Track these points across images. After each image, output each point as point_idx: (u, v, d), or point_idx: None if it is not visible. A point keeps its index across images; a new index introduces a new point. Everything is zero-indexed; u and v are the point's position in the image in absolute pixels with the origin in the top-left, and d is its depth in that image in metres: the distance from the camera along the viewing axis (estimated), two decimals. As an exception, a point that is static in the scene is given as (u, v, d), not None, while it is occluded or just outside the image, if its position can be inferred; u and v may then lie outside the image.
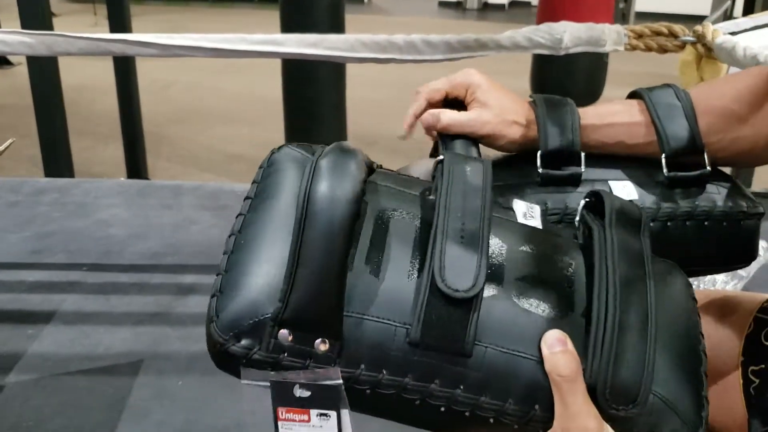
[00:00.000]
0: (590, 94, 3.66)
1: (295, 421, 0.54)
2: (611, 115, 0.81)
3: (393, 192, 0.57)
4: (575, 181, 0.79)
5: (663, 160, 0.79)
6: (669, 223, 0.79)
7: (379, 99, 5.24)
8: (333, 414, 0.53)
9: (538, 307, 0.53)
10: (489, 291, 0.53)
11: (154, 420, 1.33)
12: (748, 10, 3.17)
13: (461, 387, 0.52)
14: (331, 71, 3.05)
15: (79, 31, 1.75)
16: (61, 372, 1.45)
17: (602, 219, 0.58)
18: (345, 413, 0.52)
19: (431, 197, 0.56)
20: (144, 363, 1.48)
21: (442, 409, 0.52)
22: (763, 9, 2.75)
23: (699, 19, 2.13)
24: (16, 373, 1.44)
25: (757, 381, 0.80)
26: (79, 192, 2.34)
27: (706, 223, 0.80)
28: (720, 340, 0.87)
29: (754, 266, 1.70)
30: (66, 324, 1.61)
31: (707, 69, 1.62)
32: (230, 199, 2.29)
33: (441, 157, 0.58)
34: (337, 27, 3.00)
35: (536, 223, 0.60)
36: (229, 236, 0.54)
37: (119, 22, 3.26)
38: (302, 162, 0.57)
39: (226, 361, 0.52)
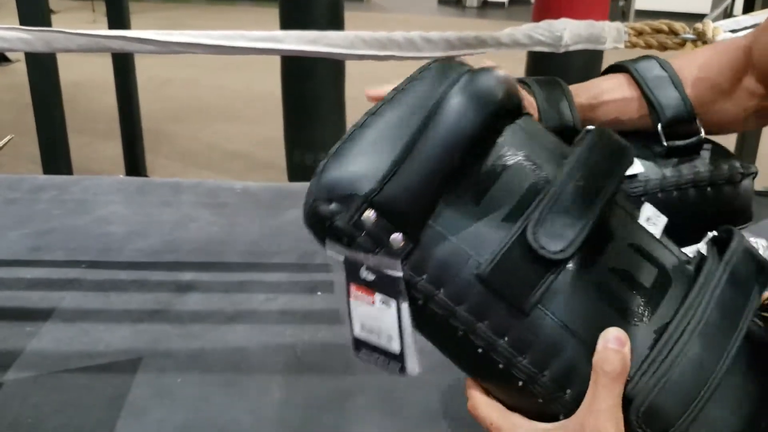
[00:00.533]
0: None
1: (362, 300, 0.56)
2: (604, 93, 0.82)
3: (529, 138, 0.56)
4: None
5: (660, 131, 0.81)
6: (675, 192, 0.81)
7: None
8: (393, 303, 0.54)
9: (615, 303, 0.52)
10: (574, 264, 0.51)
11: (154, 418, 1.32)
12: (748, 8, 3.17)
13: (505, 338, 0.52)
14: (331, 68, 3.05)
15: (77, 28, 1.74)
16: (60, 370, 1.45)
17: (722, 255, 0.57)
18: (405, 307, 0.53)
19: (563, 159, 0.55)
20: (143, 361, 1.48)
21: (479, 350, 0.52)
22: (764, 7, 2.74)
23: (699, 17, 2.12)
24: (15, 371, 1.43)
25: None
26: (78, 189, 2.33)
27: (708, 188, 0.82)
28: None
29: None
30: (65, 321, 1.61)
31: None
32: (229, 197, 2.29)
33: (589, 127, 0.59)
34: (337, 24, 3.00)
35: (656, 231, 0.57)
36: (365, 114, 0.55)
37: (118, 19, 3.25)
38: (460, 72, 0.56)
39: (313, 219, 0.54)
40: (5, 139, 1.92)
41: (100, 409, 1.34)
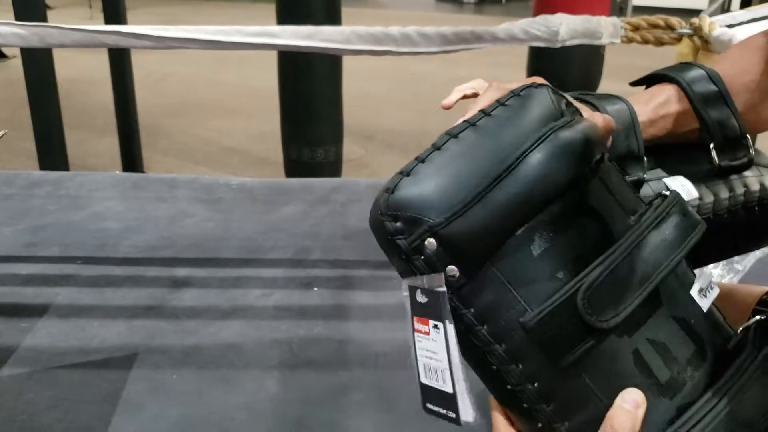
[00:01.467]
0: (586, 86, 3.66)
1: (421, 332, 0.57)
2: (661, 106, 0.81)
3: (604, 192, 0.56)
4: (638, 186, 0.78)
5: (713, 151, 0.79)
6: (725, 215, 0.80)
7: (375, 92, 5.23)
8: (441, 327, 0.55)
9: (645, 373, 0.53)
10: (616, 332, 0.52)
11: (149, 413, 1.32)
12: (745, 3, 3.16)
13: (535, 384, 0.53)
14: (327, 64, 3.05)
15: (73, 24, 1.74)
16: (56, 365, 1.45)
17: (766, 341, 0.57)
18: (451, 329, 0.54)
19: (633, 218, 0.56)
20: (138, 356, 1.47)
21: (509, 387, 0.54)
22: (760, 2, 2.74)
23: (696, 13, 2.12)
24: (10, 367, 1.43)
25: None
26: (74, 185, 2.33)
27: (756, 208, 0.81)
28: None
29: (751, 259, 1.70)
30: (60, 317, 1.60)
31: (704, 62, 1.61)
32: (225, 192, 2.29)
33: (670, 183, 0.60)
34: (334, 20, 2.99)
35: (705, 304, 0.57)
36: (446, 134, 0.55)
37: (114, 14, 3.24)
38: (548, 114, 0.56)
39: (378, 231, 0.55)
40: (0, 133, 1.92)
41: (95, 404, 1.34)
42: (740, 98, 0.80)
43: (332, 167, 3.17)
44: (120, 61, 3.31)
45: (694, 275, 0.58)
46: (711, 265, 1.67)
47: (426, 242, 0.53)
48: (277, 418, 1.32)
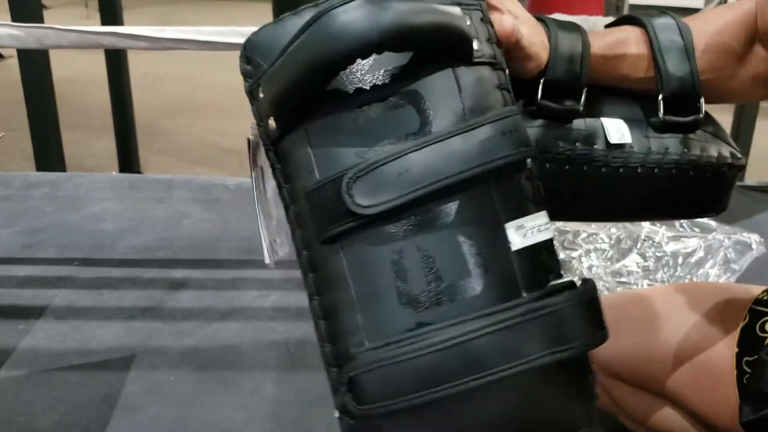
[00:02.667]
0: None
1: (251, 176, 0.65)
2: (620, 45, 0.77)
3: (439, 88, 0.55)
4: (571, 117, 0.75)
5: (660, 101, 0.76)
6: (656, 170, 0.77)
7: (373, 92, 5.21)
8: (254, 176, 0.64)
9: (400, 278, 0.52)
10: (389, 227, 0.52)
11: (147, 415, 1.32)
12: (741, 3, 3.16)
13: (304, 253, 0.56)
14: (324, 64, 3.05)
15: (70, 23, 1.73)
16: (53, 367, 1.44)
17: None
18: (256, 179, 0.64)
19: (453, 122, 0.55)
20: (136, 358, 1.47)
21: (297, 249, 0.58)
22: None
23: (693, 11, 2.12)
24: (7, 369, 1.43)
25: (750, 371, 0.81)
26: (71, 186, 2.32)
27: (691, 172, 0.78)
28: (716, 332, 0.87)
29: (747, 259, 1.70)
30: (57, 319, 1.60)
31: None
32: (222, 193, 2.28)
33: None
34: (330, 19, 2.99)
35: (519, 242, 0.54)
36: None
37: (111, 14, 3.23)
38: None
39: (241, 71, 0.59)
40: (-3, 136, 1.92)
41: (93, 406, 1.34)
42: (705, 58, 0.77)
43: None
44: (117, 61, 3.30)
45: (538, 212, 0.56)
46: (708, 265, 1.67)
47: (259, 88, 0.56)
48: (275, 418, 1.32)
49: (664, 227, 1.82)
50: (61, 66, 3.36)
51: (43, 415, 1.31)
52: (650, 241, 1.77)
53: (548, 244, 0.56)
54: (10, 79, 4.22)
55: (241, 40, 1.92)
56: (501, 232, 0.53)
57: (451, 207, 0.52)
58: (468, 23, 0.58)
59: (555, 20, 0.76)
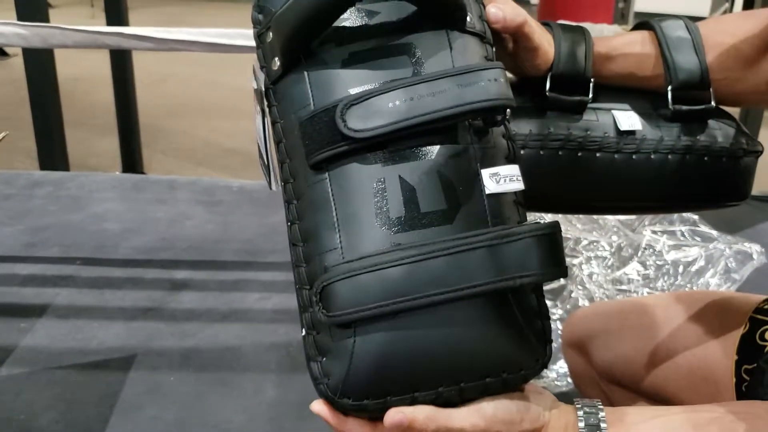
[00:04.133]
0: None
1: (256, 113, 0.67)
2: (624, 45, 0.80)
3: (436, 42, 0.59)
4: (580, 108, 0.78)
5: (669, 93, 0.79)
6: (669, 156, 0.79)
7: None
8: (260, 112, 0.65)
9: (381, 204, 0.56)
10: (375, 155, 0.56)
11: (147, 415, 1.32)
12: (747, 8, 3.17)
13: (292, 181, 0.59)
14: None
15: (75, 23, 1.74)
16: (54, 366, 1.45)
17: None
18: (263, 121, 0.64)
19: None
20: (137, 358, 1.48)
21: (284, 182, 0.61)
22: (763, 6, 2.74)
23: (699, 19, 2.12)
24: (8, 367, 1.43)
25: (749, 379, 0.81)
26: (74, 185, 2.33)
27: (705, 158, 0.80)
28: (715, 340, 0.87)
29: (748, 269, 1.70)
30: (59, 318, 1.60)
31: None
32: (225, 195, 2.29)
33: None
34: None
35: (492, 187, 0.58)
36: None
37: (116, 14, 3.24)
38: None
39: (252, 20, 0.63)
40: (0, 135, 1.92)
41: (93, 405, 1.34)
42: (713, 54, 0.79)
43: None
44: (121, 61, 3.31)
45: (513, 163, 0.60)
46: (708, 274, 1.67)
47: (268, 31, 0.59)
48: (274, 420, 1.33)
49: (665, 236, 1.83)
50: (65, 65, 3.37)
51: (43, 413, 1.31)
52: (651, 250, 1.77)
53: (519, 195, 0.60)
54: (15, 78, 4.23)
55: (247, 43, 1.91)
56: (477, 175, 0.58)
57: (435, 144, 0.57)
58: None
59: (559, 24, 0.80)
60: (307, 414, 1.33)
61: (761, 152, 0.83)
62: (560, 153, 0.77)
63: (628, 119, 0.79)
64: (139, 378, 1.42)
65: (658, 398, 0.93)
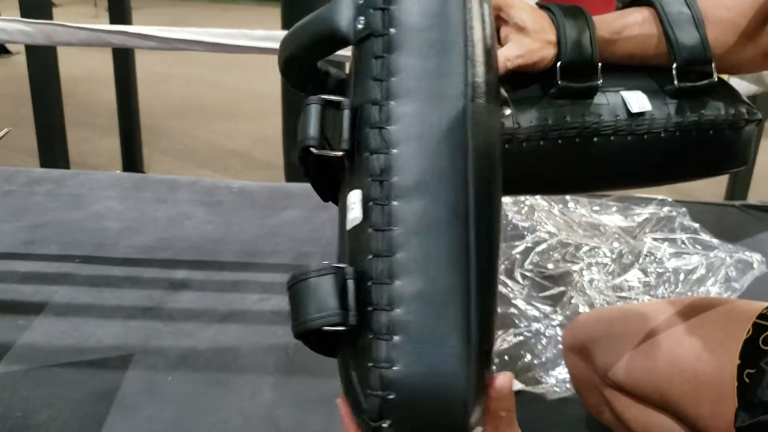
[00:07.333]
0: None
1: None
2: (626, 28, 0.82)
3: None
4: (591, 93, 0.81)
5: (674, 71, 0.81)
6: (677, 133, 0.83)
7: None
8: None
9: None
10: None
11: (144, 415, 1.32)
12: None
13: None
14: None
15: (78, 22, 1.74)
16: (51, 364, 1.44)
17: None
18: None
19: None
20: (135, 357, 1.47)
21: None
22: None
23: None
24: (5, 364, 1.43)
25: (750, 381, 0.81)
26: (75, 183, 2.32)
27: (710, 132, 0.83)
28: (718, 345, 0.88)
29: (748, 278, 1.70)
30: (57, 316, 1.60)
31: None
32: (226, 195, 2.28)
33: None
34: (339, 25, 2.99)
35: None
36: None
37: (119, 14, 3.25)
38: None
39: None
40: (2, 133, 1.92)
41: (89, 404, 1.34)
42: (711, 30, 0.81)
43: (333, 173, 3.16)
44: (124, 60, 3.32)
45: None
46: (709, 283, 1.67)
47: None
48: (272, 422, 1.32)
49: (666, 243, 1.82)
50: (68, 63, 3.37)
51: (40, 411, 1.31)
52: (652, 257, 1.77)
53: None
54: (17, 75, 4.23)
55: (250, 43, 1.91)
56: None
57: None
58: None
59: (559, 6, 0.82)
60: (305, 416, 1.33)
61: (761, 120, 0.87)
62: (577, 140, 0.80)
63: (638, 101, 0.82)
64: (137, 377, 1.42)
65: (661, 403, 0.92)
